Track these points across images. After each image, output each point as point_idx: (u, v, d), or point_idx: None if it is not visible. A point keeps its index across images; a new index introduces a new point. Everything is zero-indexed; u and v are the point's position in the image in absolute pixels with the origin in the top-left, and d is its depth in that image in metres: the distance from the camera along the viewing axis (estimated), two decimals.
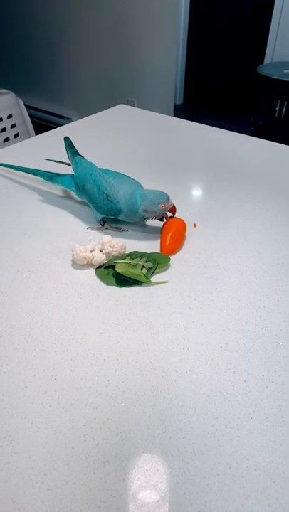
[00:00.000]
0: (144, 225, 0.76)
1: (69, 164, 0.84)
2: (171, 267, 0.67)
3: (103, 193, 0.72)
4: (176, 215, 0.74)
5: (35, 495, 0.38)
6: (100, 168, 0.76)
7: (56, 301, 0.60)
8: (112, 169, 0.78)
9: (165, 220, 0.73)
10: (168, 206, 0.71)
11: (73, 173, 0.81)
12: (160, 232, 0.73)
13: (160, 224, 0.77)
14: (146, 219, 0.73)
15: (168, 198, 0.70)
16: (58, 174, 0.83)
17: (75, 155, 0.80)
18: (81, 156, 0.81)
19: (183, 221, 0.73)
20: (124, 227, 0.77)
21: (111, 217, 0.75)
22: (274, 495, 0.39)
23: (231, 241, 0.74)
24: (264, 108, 2.37)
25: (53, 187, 0.89)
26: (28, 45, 3.18)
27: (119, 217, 0.74)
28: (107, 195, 0.71)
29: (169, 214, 0.73)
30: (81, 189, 0.77)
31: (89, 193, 0.75)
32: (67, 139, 0.83)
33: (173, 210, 0.73)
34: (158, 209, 0.70)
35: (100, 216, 0.76)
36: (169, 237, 0.70)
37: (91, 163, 0.77)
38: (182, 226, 0.72)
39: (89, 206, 0.80)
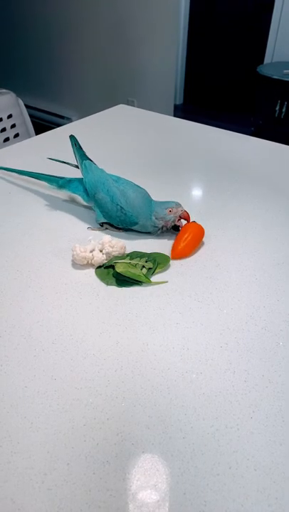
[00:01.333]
0: (158, 235, 0.75)
1: (73, 165, 0.82)
2: (171, 267, 0.67)
3: (117, 204, 0.71)
4: (194, 220, 0.73)
5: (35, 495, 0.38)
6: (110, 175, 0.75)
7: (56, 301, 0.60)
8: (112, 169, 0.78)
9: (180, 229, 0.72)
10: (176, 211, 0.71)
11: (80, 176, 0.79)
12: (164, 231, 0.73)
13: (159, 235, 0.76)
14: (160, 229, 0.73)
15: (176, 204, 0.71)
16: (65, 180, 0.81)
17: (83, 158, 0.78)
18: (90, 159, 0.78)
19: (201, 227, 0.71)
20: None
21: (120, 227, 0.75)
22: (274, 495, 0.39)
23: (231, 241, 0.74)
24: (264, 108, 2.37)
25: (59, 192, 0.87)
26: (28, 45, 3.18)
27: (133, 228, 0.74)
28: (121, 208, 0.71)
29: (184, 222, 0.73)
30: (92, 197, 0.75)
31: (100, 203, 0.74)
32: (73, 138, 0.80)
33: (185, 216, 0.72)
34: (166, 215, 0.70)
35: (102, 221, 0.76)
36: (182, 240, 0.69)
37: (102, 170, 0.76)
38: (200, 231, 0.71)
39: (92, 209, 0.79)
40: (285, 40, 2.61)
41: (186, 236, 0.69)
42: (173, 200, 0.73)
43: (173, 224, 0.72)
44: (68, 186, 0.81)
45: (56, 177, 0.83)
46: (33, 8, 2.96)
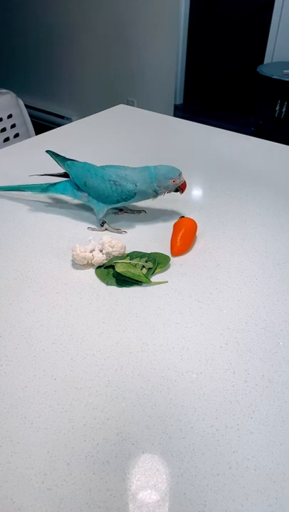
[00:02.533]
0: (156, 198, 0.77)
1: (56, 175, 0.81)
2: (171, 267, 0.67)
3: (109, 180, 0.72)
4: (187, 216, 0.75)
5: (35, 495, 0.38)
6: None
7: (56, 301, 0.60)
8: None
9: (179, 192, 0.75)
10: (179, 182, 0.73)
11: (62, 180, 0.79)
12: (164, 232, 0.73)
13: (161, 224, 0.78)
14: (159, 194, 0.75)
15: (179, 174, 0.73)
16: (49, 184, 0.81)
17: (65, 160, 0.79)
18: (71, 159, 0.79)
19: (193, 221, 0.73)
20: (124, 228, 0.77)
21: (121, 203, 0.75)
22: (274, 495, 0.39)
23: (231, 241, 0.74)
24: (264, 108, 2.37)
25: (46, 196, 0.87)
26: (28, 45, 3.18)
27: (132, 200, 0.75)
28: (114, 181, 0.72)
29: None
30: (82, 187, 0.76)
31: (93, 187, 0.74)
32: (50, 152, 0.80)
33: (183, 186, 0.75)
34: (169, 184, 0.73)
35: (104, 210, 0.75)
36: (179, 237, 0.70)
37: (85, 162, 0.77)
38: (193, 226, 0.72)
39: (88, 207, 0.80)
40: (285, 40, 2.61)
41: (180, 233, 0.70)
42: (174, 166, 0.74)
43: (173, 190, 0.75)
44: (54, 188, 0.81)
45: (39, 184, 0.83)
46: (33, 8, 2.96)
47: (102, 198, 0.74)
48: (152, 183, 0.72)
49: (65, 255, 0.69)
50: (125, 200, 0.74)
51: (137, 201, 0.76)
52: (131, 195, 0.73)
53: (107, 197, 0.74)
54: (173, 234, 0.71)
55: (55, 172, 0.82)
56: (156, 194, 0.74)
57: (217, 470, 0.40)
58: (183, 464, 0.41)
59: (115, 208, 0.81)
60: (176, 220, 0.74)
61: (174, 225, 0.73)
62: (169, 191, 0.75)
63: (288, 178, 0.96)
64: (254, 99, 2.49)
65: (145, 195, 0.74)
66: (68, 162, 0.78)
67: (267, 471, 0.40)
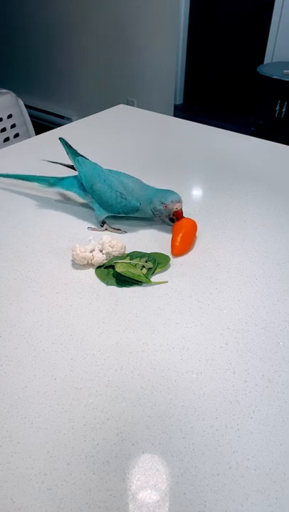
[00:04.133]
0: (156, 222, 0.77)
1: (67, 166, 0.83)
2: (171, 267, 0.67)
3: (116, 191, 0.72)
4: (187, 216, 0.74)
5: (35, 495, 0.38)
6: (104, 168, 0.76)
7: (56, 301, 0.60)
8: (112, 169, 0.78)
9: (174, 222, 0.73)
10: (171, 208, 0.71)
11: (73, 174, 0.80)
12: (164, 232, 0.73)
13: (161, 224, 0.77)
14: (157, 217, 0.75)
15: (172, 200, 0.71)
16: (57, 178, 0.82)
17: (76, 155, 0.79)
18: (82, 156, 0.79)
19: (193, 221, 0.73)
20: (124, 228, 0.77)
21: (122, 215, 0.75)
22: (274, 495, 0.39)
23: (231, 241, 0.74)
24: (264, 108, 2.37)
25: (52, 191, 0.88)
26: (28, 45, 3.18)
27: (134, 215, 0.75)
28: (121, 194, 0.72)
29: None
30: (88, 189, 0.76)
31: (98, 193, 0.74)
32: (62, 140, 0.80)
33: (178, 214, 0.73)
34: (161, 209, 0.72)
35: (104, 216, 0.76)
36: (179, 237, 0.70)
37: (95, 164, 0.77)
38: (193, 226, 0.72)
39: (91, 207, 0.80)
40: (285, 40, 2.61)
41: (181, 233, 0.70)
42: (174, 190, 0.73)
43: (168, 217, 0.74)
44: (61, 184, 0.81)
45: (47, 177, 0.83)
46: (33, 8, 2.96)
47: (105, 205, 0.74)
48: (150, 204, 0.72)
49: (65, 255, 0.69)
50: (126, 213, 0.74)
51: (138, 216, 0.76)
52: (133, 211, 0.74)
53: (109, 205, 0.74)
54: (173, 234, 0.71)
55: (66, 163, 0.82)
56: (155, 216, 0.74)
57: (217, 470, 0.40)
58: (183, 463, 0.41)
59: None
60: (177, 218, 0.74)
61: (174, 226, 0.73)
62: (165, 217, 0.74)
63: (288, 178, 0.96)
64: (254, 99, 2.49)
65: (147, 214, 0.75)
66: (79, 158, 0.78)
67: (267, 471, 0.40)
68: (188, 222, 0.72)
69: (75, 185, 0.80)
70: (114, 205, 0.73)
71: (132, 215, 0.76)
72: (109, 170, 0.76)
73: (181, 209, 0.72)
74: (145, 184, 0.75)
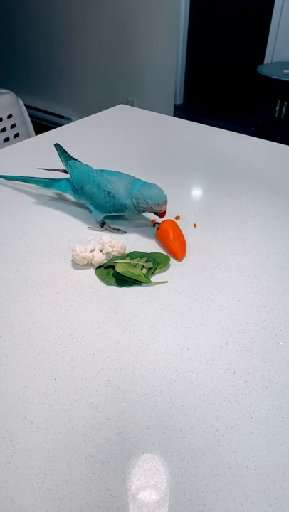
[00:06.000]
0: (144, 217, 0.76)
1: (63, 171, 0.83)
2: (171, 267, 0.67)
3: (104, 190, 0.72)
4: (184, 217, 0.74)
5: (35, 495, 0.38)
6: (96, 169, 0.76)
7: (56, 301, 0.60)
8: (112, 169, 0.78)
9: (159, 222, 0.73)
10: (155, 209, 0.70)
11: (65, 178, 0.81)
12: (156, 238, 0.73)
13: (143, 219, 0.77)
14: (140, 212, 0.73)
15: (159, 203, 0.69)
16: (52, 179, 0.83)
17: (68, 159, 0.79)
18: (75, 159, 0.80)
19: (172, 220, 0.72)
20: (124, 228, 0.77)
21: (114, 214, 0.75)
22: (274, 495, 0.39)
23: (231, 241, 0.74)
24: (264, 108, 2.37)
25: (49, 192, 0.88)
26: (28, 45, 3.18)
27: (123, 213, 0.74)
28: (109, 193, 0.72)
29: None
30: (79, 191, 0.76)
31: (89, 194, 0.74)
32: (57, 146, 0.81)
33: (162, 214, 0.72)
34: (146, 207, 0.71)
35: (101, 217, 0.76)
36: (174, 243, 0.69)
37: (86, 165, 0.77)
38: (175, 226, 0.71)
39: (87, 209, 0.80)
40: (285, 40, 2.61)
41: (171, 238, 0.69)
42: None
43: (154, 212, 0.72)
44: (57, 185, 0.82)
45: (44, 178, 0.84)
46: (33, 8, 2.96)
47: (96, 206, 0.74)
48: (132, 198, 0.70)
49: (65, 255, 0.69)
50: (117, 211, 0.73)
51: (127, 215, 0.75)
52: (123, 209, 0.72)
53: (100, 205, 0.74)
54: (166, 242, 0.70)
55: (61, 168, 0.82)
56: (138, 211, 0.72)
57: (217, 470, 0.40)
58: (183, 463, 0.41)
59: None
60: (159, 216, 0.73)
61: (160, 233, 0.71)
62: (149, 212, 0.72)
63: (288, 178, 0.96)
64: (254, 99, 2.49)
65: (133, 212, 0.73)
66: (71, 162, 0.78)
67: (267, 471, 0.40)
68: (170, 224, 0.71)
69: (68, 188, 0.80)
70: (104, 204, 0.73)
71: (123, 214, 0.74)
72: (101, 170, 0.76)
73: (165, 210, 0.71)
74: (132, 179, 0.73)
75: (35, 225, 0.78)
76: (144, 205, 0.70)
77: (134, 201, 0.70)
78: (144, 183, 0.71)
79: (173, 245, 0.69)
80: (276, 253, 0.71)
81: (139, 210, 0.72)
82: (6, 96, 1.54)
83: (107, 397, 0.47)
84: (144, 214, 0.75)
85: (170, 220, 0.73)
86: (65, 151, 0.81)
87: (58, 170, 0.84)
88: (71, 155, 0.81)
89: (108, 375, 0.50)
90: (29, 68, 3.30)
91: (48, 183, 0.83)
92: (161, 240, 0.71)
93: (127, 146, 1.11)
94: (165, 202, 0.70)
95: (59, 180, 0.82)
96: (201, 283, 0.64)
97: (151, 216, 0.78)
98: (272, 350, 0.53)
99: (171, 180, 0.94)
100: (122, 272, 0.63)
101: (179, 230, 0.71)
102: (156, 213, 0.73)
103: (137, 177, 0.76)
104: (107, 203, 0.72)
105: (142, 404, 0.46)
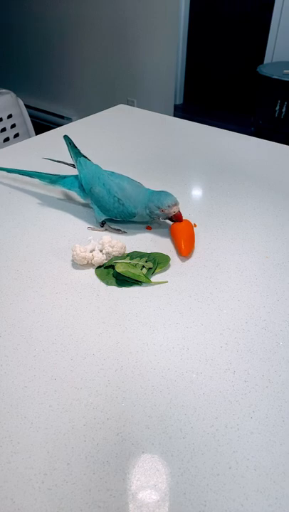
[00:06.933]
0: (154, 223, 0.77)
1: (70, 164, 0.83)
2: (171, 267, 0.67)
3: (114, 196, 0.72)
4: (186, 216, 0.74)
5: (35, 495, 0.38)
6: (105, 171, 0.76)
7: (56, 301, 0.60)
8: (112, 169, 0.78)
9: (173, 221, 0.73)
10: (168, 213, 0.71)
11: (75, 173, 0.80)
12: (164, 232, 0.73)
13: (161, 224, 0.77)
14: (154, 219, 0.74)
15: (169, 205, 0.70)
16: (59, 176, 0.82)
17: (78, 155, 0.78)
18: (85, 156, 0.79)
19: (190, 222, 0.73)
20: (124, 228, 0.77)
21: (119, 219, 0.75)
22: (274, 495, 0.39)
23: (231, 241, 0.74)
24: (264, 108, 2.37)
25: (53, 189, 0.88)
26: (28, 45, 3.18)
27: (131, 220, 0.74)
28: (119, 199, 0.71)
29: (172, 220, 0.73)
30: (87, 191, 0.76)
31: (97, 196, 0.74)
32: (67, 138, 0.80)
33: (178, 217, 0.72)
34: (158, 213, 0.71)
35: (102, 218, 0.75)
36: (184, 239, 0.70)
37: (97, 166, 0.76)
38: (191, 228, 0.72)
39: (91, 207, 0.80)
40: (285, 40, 2.61)
41: (184, 235, 0.70)
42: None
43: (165, 219, 0.73)
44: (63, 182, 0.81)
45: (49, 174, 0.83)
46: (33, 8, 2.96)
47: (102, 209, 0.74)
48: (146, 208, 0.71)
49: (65, 255, 0.69)
50: (123, 218, 0.74)
51: (136, 221, 0.76)
52: (130, 217, 0.73)
53: (107, 210, 0.73)
54: (176, 237, 0.71)
55: (69, 162, 0.82)
56: (151, 219, 0.74)
57: (217, 470, 0.40)
58: (183, 463, 0.41)
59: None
60: (176, 220, 0.74)
61: (173, 227, 0.72)
62: (164, 218, 0.73)
63: (288, 178, 0.96)
64: (254, 99, 2.49)
65: (144, 219, 0.74)
66: (81, 159, 0.77)
67: (267, 471, 0.40)
68: (188, 224, 0.72)
69: (75, 185, 0.80)
70: (112, 210, 0.73)
71: (129, 220, 0.75)
72: (112, 172, 0.76)
73: (179, 211, 0.72)
74: (142, 187, 0.74)
75: (35, 224, 0.78)
76: (157, 211, 0.71)
77: (148, 210, 0.71)
78: (153, 191, 0.72)
79: (185, 240, 0.69)
80: (276, 253, 0.71)
81: (154, 218, 0.73)
82: (6, 96, 1.54)
83: (107, 397, 0.47)
84: (162, 220, 0.75)
85: (190, 222, 0.73)
86: (75, 145, 0.80)
87: (65, 163, 0.83)
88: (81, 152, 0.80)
89: (108, 375, 0.50)
90: (29, 68, 3.30)
91: (53, 179, 0.82)
92: (176, 232, 0.71)
93: (127, 146, 1.11)
94: (176, 203, 0.70)
95: (64, 177, 0.81)
96: (201, 283, 0.64)
97: (168, 222, 0.77)
98: (272, 350, 0.53)
99: (171, 180, 0.94)
100: (122, 271, 0.63)
101: (193, 234, 0.72)
102: (171, 219, 0.73)
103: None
104: (115, 209, 0.72)
105: (142, 404, 0.46)
